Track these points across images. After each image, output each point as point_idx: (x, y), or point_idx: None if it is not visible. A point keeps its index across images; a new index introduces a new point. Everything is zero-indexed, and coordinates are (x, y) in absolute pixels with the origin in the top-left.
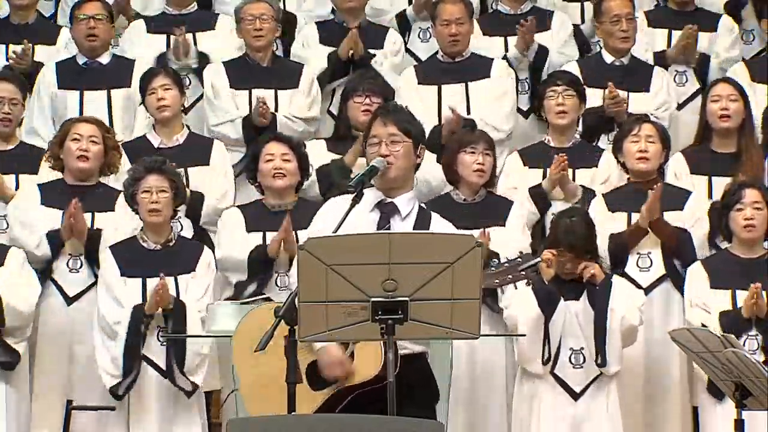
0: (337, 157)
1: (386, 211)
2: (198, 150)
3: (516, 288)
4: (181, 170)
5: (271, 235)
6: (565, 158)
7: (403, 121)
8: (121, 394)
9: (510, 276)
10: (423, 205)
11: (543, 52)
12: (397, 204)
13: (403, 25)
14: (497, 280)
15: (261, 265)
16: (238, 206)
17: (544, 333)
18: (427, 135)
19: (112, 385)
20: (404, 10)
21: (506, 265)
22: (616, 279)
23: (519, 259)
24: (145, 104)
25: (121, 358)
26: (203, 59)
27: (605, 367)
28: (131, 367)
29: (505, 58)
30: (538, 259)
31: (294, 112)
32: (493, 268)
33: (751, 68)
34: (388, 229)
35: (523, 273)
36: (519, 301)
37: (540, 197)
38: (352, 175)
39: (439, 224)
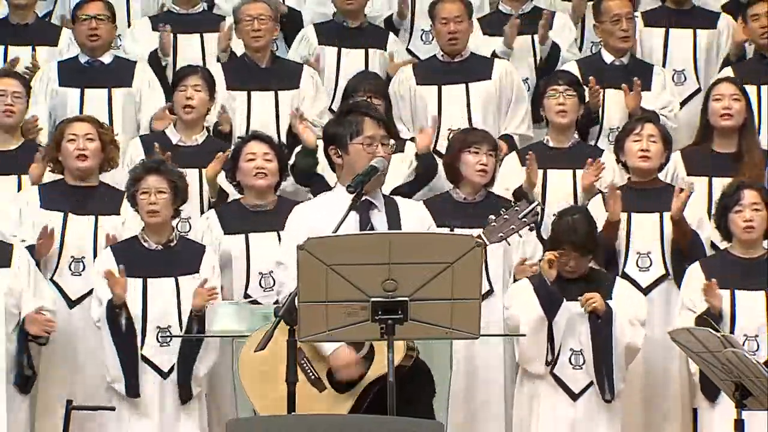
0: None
1: (363, 208)
2: (215, 153)
3: (521, 237)
4: (195, 170)
5: (252, 236)
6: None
7: (388, 122)
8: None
9: (513, 226)
10: (383, 193)
11: (555, 50)
12: (372, 199)
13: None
14: (501, 234)
15: None
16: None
17: (547, 334)
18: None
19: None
20: (390, 15)
21: (505, 217)
22: (617, 303)
23: (516, 208)
24: (174, 99)
25: (116, 357)
26: None
27: (612, 400)
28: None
29: (494, 55)
30: (536, 202)
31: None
32: (494, 224)
33: (737, 71)
34: (371, 226)
35: (525, 220)
36: (521, 302)
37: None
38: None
39: (406, 206)
